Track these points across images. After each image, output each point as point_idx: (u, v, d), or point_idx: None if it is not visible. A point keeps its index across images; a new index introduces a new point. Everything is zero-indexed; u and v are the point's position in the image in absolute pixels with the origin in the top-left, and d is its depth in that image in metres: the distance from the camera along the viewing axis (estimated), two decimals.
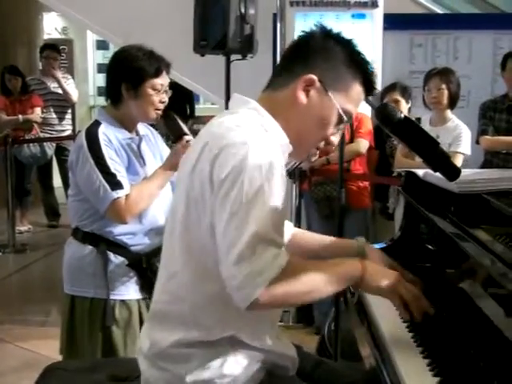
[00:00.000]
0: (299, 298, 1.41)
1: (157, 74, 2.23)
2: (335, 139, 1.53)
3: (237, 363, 1.44)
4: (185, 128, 2.32)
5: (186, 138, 2.25)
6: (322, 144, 1.53)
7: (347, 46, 1.49)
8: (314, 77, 1.45)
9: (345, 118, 1.48)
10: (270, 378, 1.48)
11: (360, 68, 1.49)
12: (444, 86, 3.73)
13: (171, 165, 2.21)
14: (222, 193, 1.33)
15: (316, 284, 1.39)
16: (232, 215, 1.30)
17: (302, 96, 1.45)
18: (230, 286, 1.31)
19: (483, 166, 4.02)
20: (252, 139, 1.35)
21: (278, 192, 1.33)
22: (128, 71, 2.23)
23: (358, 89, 1.49)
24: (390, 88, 4.07)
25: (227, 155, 1.33)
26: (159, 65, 2.24)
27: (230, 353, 1.43)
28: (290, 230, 1.78)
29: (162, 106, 2.28)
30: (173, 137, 2.30)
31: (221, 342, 1.43)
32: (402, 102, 4.01)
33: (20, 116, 6.04)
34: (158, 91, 2.24)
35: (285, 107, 1.47)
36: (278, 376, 1.51)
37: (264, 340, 1.48)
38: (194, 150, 1.46)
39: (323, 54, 1.47)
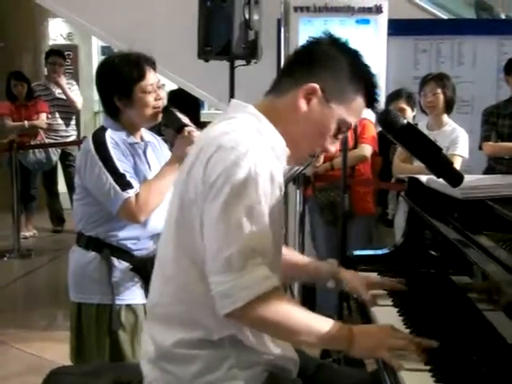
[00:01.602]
0: (277, 330, 1.41)
1: (142, 77, 2.22)
2: (332, 148, 1.53)
3: (239, 365, 1.44)
4: (185, 119, 2.29)
5: (187, 129, 2.23)
6: (318, 151, 1.54)
7: (352, 56, 1.49)
8: (317, 86, 1.45)
9: (344, 129, 1.49)
10: (272, 379, 1.48)
11: (363, 82, 1.49)
12: (439, 91, 3.75)
13: (176, 158, 2.20)
14: (211, 196, 1.35)
15: (299, 326, 1.39)
16: (220, 220, 1.32)
17: (302, 104, 1.46)
18: (214, 290, 1.34)
19: (486, 172, 4.01)
20: (244, 144, 1.36)
21: (267, 199, 1.35)
22: (114, 84, 2.24)
23: (359, 102, 1.50)
24: (394, 96, 4.06)
25: (218, 158, 1.35)
26: (142, 67, 2.23)
27: (232, 355, 1.44)
28: None
29: (160, 103, 2.28)
30: (173, 130, 2.28)
31: (222, 343, 1.44)
32: (408, 110, 4.01)
33: (26, 122, 6.07)
34: (150, 92, 2.24)
35: (285, 113, 1.47)
36: (280, 378, 1.51)
37: (265, 342, 1.48)
38: (190, 156, 1.47)
39: (327, 63, 1.47)
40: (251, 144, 1.37)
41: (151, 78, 2.25)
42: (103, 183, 2.16)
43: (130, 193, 2.15)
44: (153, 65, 2.29)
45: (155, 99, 2.25)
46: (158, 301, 1.52)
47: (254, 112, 1.47)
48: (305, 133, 1.49)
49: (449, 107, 3.80)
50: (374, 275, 1.88)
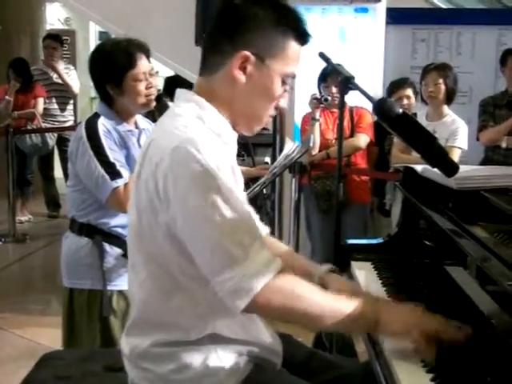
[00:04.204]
0: (292, 313, 1.34)
1: (133, 65, 2.21)
2: (284, 102, 1.48)
3: (219, 359, 1.41)
4: None
5: None
6: (273, 111, 1.47)
7: (271, 6, 1.42)
8: (247, 53, 1.38)
9: (289, 82, 1.44)
10: (257, 371, 1.46)
11: (289, 25, 1.41)
12: (441, 81, 3.73)
13: None
14: (176, 203, 1.29)
15: (314, 307, 1.33)
16: (201, 222, 1.28)
17: (239, 75, 1.39)
18: (223, 290, 1.29)
19: (483, 163, 4.01)
20: (190, 141, 1.30)
21: (233, 187, 1.31)
22: (106, 72, 2.22)
23: (293, 46, 1.42)
24: (401, 83, 4.05)
25: (168, 166, 1.30)
26: (134, 55, 2.22)
27: (212, 350, 1.41)
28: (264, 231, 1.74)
29: (153, 91, 2.26)
30: None
31: (202, 341, 1.41)
32: (413, 98, 4.00)
33: (15, 112, 6.04)
34: (141, 80, 2.23)
35: (224, 91, 1.41)
36: (265, 369, 1.49)
37: (248, 333, 1.46)
38: (138, 157, 1.44)
39: (249, 23, 1.39)
40: (195, 137, 1.31)
41: (143, 65, 2.23)
42: (92, 171, 2.16)
43: (119, 182, 2.15)
44: (147, 52, 2.27)
45: (147, 87, 2.24)
46: (136, 305, 1.48)
47: (194, 99, 1.42)
48: (252, 102, 1.43)
49: (449, 98, 3.78)
50: (360, 287, 1.81)
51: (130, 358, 1.48)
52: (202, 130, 1.36)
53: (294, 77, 1.47)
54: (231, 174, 1.33)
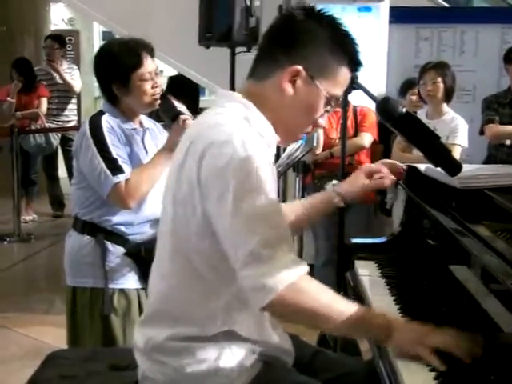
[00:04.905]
0: (312, 315, 1.36)
1: (140, 65, 2.21)
2: (323, 121, 1.52)
3: (233, 356, 1.44)
4: (180, 108, 2.27)
5: (182, 117, 2.21)
6: (310, 128, 1.52)
7: (330, 26, 1.45)
8: (300, 67, 1.42)
9: (332, 103, 1.47)
10: (267, 369, 1.48)
11: (345, 51, 1.45)
12: (439, 80, 3.73)
13: (169, 146, 2.19)
14: (215, 195, 1.32)
15: (335, 312, 1.35)
16: (235, 215, 1.30)
17: (288, 88, 1.43)
18: (247, 285, 1.31)
19: (487, 161, 4.01)
20: (236, 136, 1.33)
21: (269, 187, 1.33)
22: (112, 72, 2.23)
23: (344, 72, 1.47)
24: (413, 83, 4.05)
25: (212, 156, 1.33)
26: (140, 55, 2.22)
27: (226, 346, 1.43)
28: None
29: (158, 90, 2.27)
30: (168, 118, 2.27)
31: (216, 337, 1.43)
32: None
33: (18, 113, 6.05)
34: (147, 80, 2.23)
35: (271, 98, 1.45)
36: (275, 368, 1.51)
37: (261, 332, 1.48)
38: (180, 149, 1.45)
39: (306, 40, 1.43)
40: (243, 135, 1.35)
41: (149, 65, 2.24)
42: (95, 167, 2.16)
43: (120, 178, 2.16)
44: (151, 51, 2.27)
45: (153, 87, 2.25)
46: (154, 297, 1.52)
47: (241, 100, 1.45)
48: (294, 115, 1.47)
49: (448, 96, 3.78)
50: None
51: (143, 351, 1.50)
52: (248, 129, 1.39)
53: (338, 99, 1.50)
54: (270, 175, 1.35)
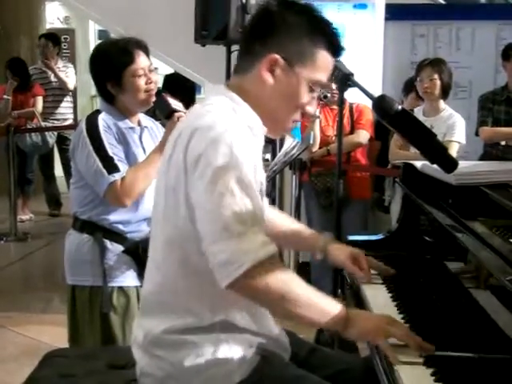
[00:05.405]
0: (278, 299, 1.36)
1: (132, 61, 2.22)
2: (311, 109, 1.52)
3: (230, 349, 1.44)
4: (175, 105, 2.26)
5: (177, 114, 2.21)
6: (298, 116, 1.52)
7: (304, 13, 1.46)
8: (277, 56, 1.43)
9: (315, 88, 1.48)
10: (265, 363, 1.48)
11: (322, 34, 1.46)
12: (436, 76, 3.73)
13: (164, 143, 2.19)
14: (196, 174, 1.34)
15: (301, 298, 1.37)
16: (210, 192, 1.31)
17: (268, 77, 1.45)
18: (214, 261, 1.32)
19: (483, 158, 4.01)
20: (221, 122, 1.36)
21: (252, 180, 1.35)
22: (106, 71, 2.24)
23: (323, 55, 1.47)
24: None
25: (196, 140, 1.35)
26: (131, 51, 2.23)
27: (223, 338, 1.44)
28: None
29: (152, 86, 2.27)
30: (163, 115, 2.27)
31: (213, 328, 1.43)
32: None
33: (15, 112, 6.05)
34: (140, 75, 2.24)
35: (254, 90, 1.46)
36: (273, 362, 1.50)
37: (258, 322, 1.48)
38: (170, 142, 1.48)
39: (281, 29, 1.44)
40: (228, 122, 1.37)
41: (141, 61, 2.25)
42: (91, 165, 2.17)
43: (116, 176, 2.16)
44: (144, 48, 2.28)
45: (146, 83, 2.25)
46: (150, 288, 1.52)
47: (226, 93, 1.47)
48: (278, 104, 1.48)
49: (445, 93, 3.78)
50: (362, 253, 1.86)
51: (142, 346, 1.50)
52: (234, 118, 1.40)
53: (322, 85, 1.50)
54: (252, 170, 1.36)
